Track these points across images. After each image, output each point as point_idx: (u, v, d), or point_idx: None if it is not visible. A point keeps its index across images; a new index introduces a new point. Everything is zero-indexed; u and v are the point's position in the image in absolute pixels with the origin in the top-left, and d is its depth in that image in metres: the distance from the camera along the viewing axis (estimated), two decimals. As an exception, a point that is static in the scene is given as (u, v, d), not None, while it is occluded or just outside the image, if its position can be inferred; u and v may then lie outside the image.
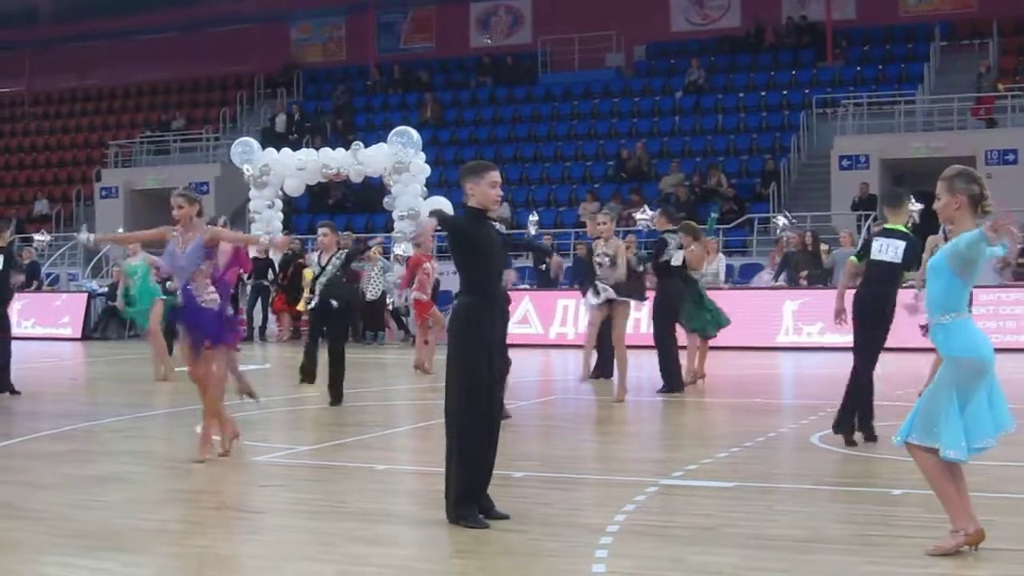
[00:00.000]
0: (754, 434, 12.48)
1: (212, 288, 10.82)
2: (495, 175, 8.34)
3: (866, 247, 11.83)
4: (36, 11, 46.83)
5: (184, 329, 10.90)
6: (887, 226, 11.74)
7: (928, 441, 7.12)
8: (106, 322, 30.78)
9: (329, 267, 15.46)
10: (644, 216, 18.07)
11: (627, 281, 15.73)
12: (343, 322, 15.89)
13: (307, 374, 16.46)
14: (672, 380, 16.40)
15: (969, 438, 7.09)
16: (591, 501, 9.18)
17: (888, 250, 11.49)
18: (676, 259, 16.53)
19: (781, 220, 26.26)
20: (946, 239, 8.38)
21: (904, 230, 11.71)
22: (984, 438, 7.14)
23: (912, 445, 7.21)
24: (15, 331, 19.02)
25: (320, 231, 15.91)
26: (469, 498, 8.11)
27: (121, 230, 27.22)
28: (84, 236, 11.78)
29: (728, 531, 7.95)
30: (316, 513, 8.84)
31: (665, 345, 16.62)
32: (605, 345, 17.03)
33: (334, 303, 15.34)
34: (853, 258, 11.93)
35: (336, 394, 15.22)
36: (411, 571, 7.33)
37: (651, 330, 17.18)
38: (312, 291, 15.82)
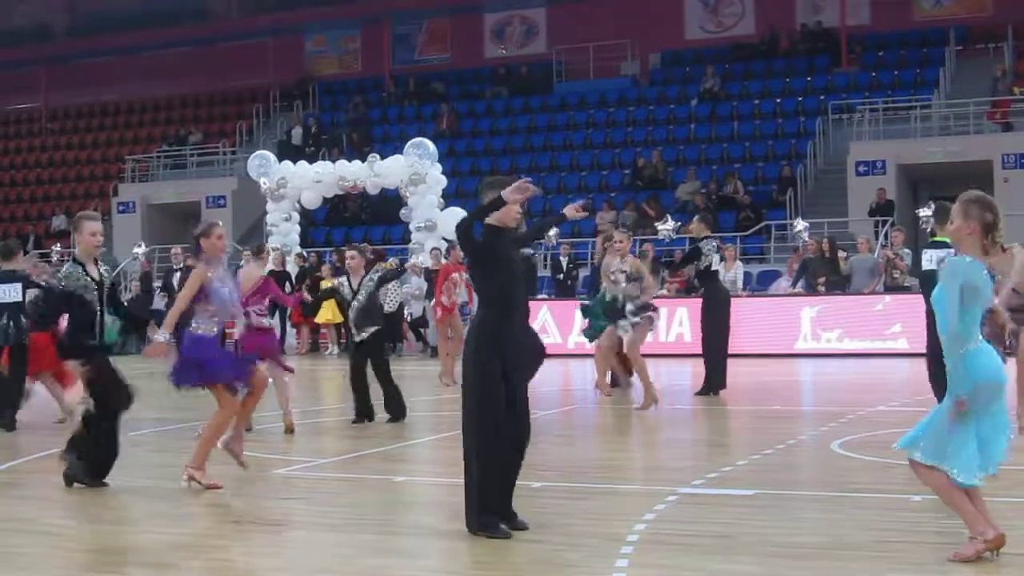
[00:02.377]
0: (774, 441, 12.46)
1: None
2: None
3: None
4: (52, 27, 47.04)
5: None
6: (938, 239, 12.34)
7: (937, 462, 7.10)
8: (127, 336, 30.84)
9: (362, 293, 14.99)
10: (666, 227, 18.11)
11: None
12: (381, 342, 15.43)
13: (364, 413, 15.20)
14: (712, 382, 16.65)
15: (982, 461, 7.09)
16: (611, 510, 9.17)
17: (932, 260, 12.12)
18: (715, 263, 16.78)
19: (800, 225, 26.22)
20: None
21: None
22: (995, 460, 7.16)
23: (917, 463, 7.20)
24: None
25: (348, 255, 15.45)
26: (490, 508, 8.10)
27: (142, 246, 27.19)
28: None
29: (749, 539, 7.94)
30: (336, 525, 8.85)
31: (714, 348, 16.86)
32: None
33: (370, 330, 14.99)
34: None
35: (397, 409, 15.00)
36: (432, 582, 7.35)
37: (697, 336, 17.48)
38: (346, 318, 15.43)
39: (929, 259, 12.22)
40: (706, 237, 16.93)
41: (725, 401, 16.67)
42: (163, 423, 14.53)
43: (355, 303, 14.99)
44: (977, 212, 7.21)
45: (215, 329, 10.40)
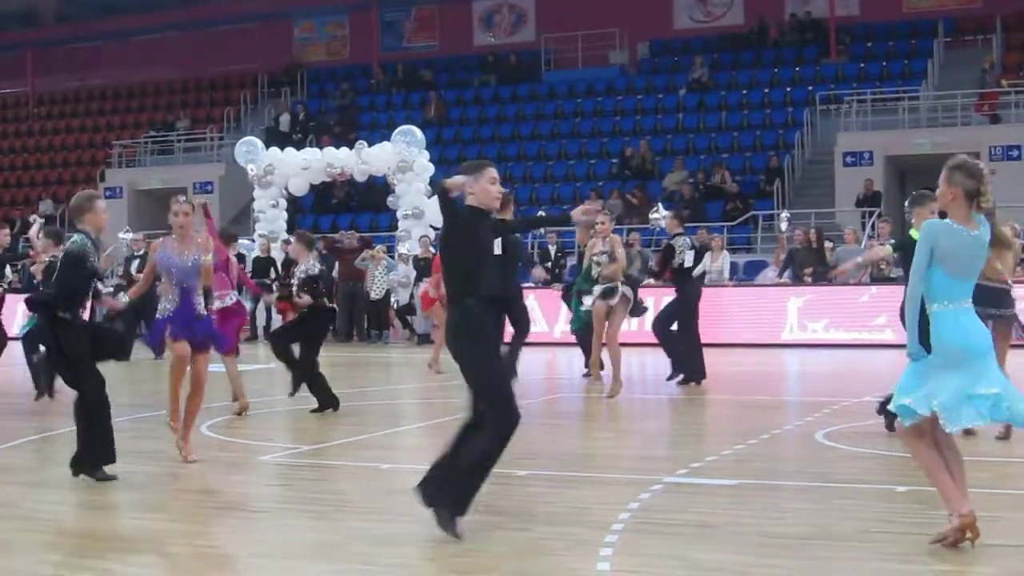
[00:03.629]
0: (759, 431, 12.47)
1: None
2: (493, 172, 8.19)
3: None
4: (39, 11, 46.87)
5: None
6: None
7: (924, 408, 7.11)
8: (112, 323, 30.74)
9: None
10: (657, 215, 18.08)
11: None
12: (324, 323, 15.16)
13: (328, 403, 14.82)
14: (686, 369, 16.66)
15: (969, 407, 7.09)
16: (596, 499, 9.17)
17: None
18: (688, 260, 16.68)
19: (784, 220, 26.25)
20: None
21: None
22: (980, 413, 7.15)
23: (906, 436, 7.22)
24: (13, 331, 19.03)
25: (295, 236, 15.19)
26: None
27: (129, 232, 27.20)
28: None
29: (733, 529, 7.95)
30: (320, 512, 8.84)
31: (688, 342, 16.83)
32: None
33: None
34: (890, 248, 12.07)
35: (295, 387, 14.86)
36: (415, 570, 7.34)
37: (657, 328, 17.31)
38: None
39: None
40: (678, 234, 16.87)
41: (710, 391, 16.68)
42: (139, 409, 14.49)
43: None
44: (960, 178, 7.27)
45: (170, 307, 10.80)
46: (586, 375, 18.08)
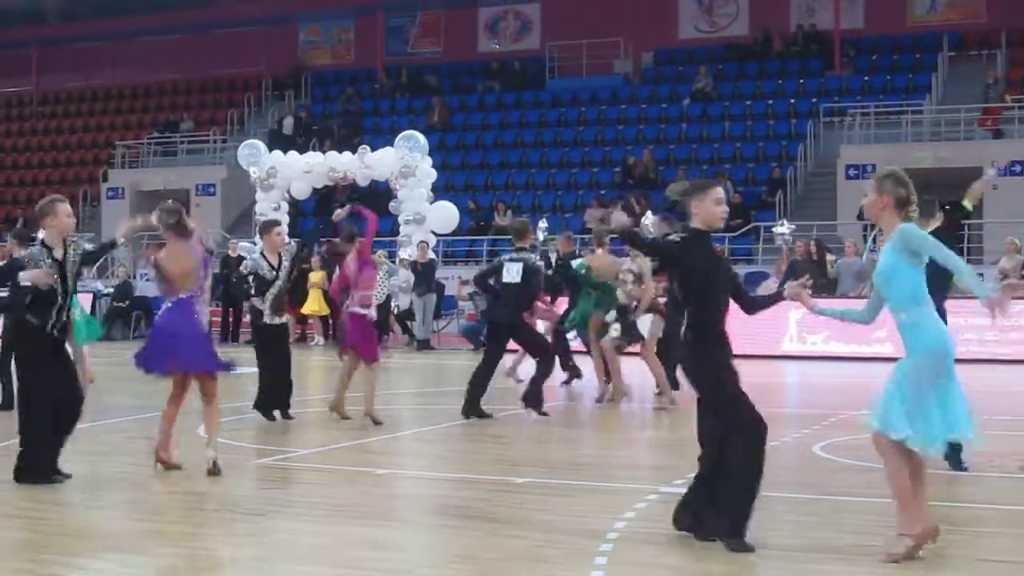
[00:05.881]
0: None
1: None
2: (719, 192, 7.91)
3: None
4: (44, 11, 46.89)
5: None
6: None
7: (897, 434, 7.15)
8: (112, 322, 30.78)
9: (282, 274, 14.18)
10: (647, 221, 18.02)
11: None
12: (287, 330, 14.82)
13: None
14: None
15: (948, 430, 7.16)
16: (592, 508, 9.15)
17: None
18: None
19: (784, 227, 26.17)
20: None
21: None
22: (960, 430, 7.20)
23: (882, 443, 7.23)
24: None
25: (275, 230, 14.50)
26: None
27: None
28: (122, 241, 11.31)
29: (728, 540, 7.92)
30: (316, 516, 8.82)
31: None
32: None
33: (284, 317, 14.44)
34: None
35: (284, 404, 14.37)
36: (411, 575, 7.34)
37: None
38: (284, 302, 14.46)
39: None
40: (668, 235, 16.75)
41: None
42: (138, 411, 14.47)
43: (277, 285, 14.14)
44: (891, 187, 7.38)
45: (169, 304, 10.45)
46: (565, 383, 18.09)
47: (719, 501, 7.64)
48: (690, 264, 7.82)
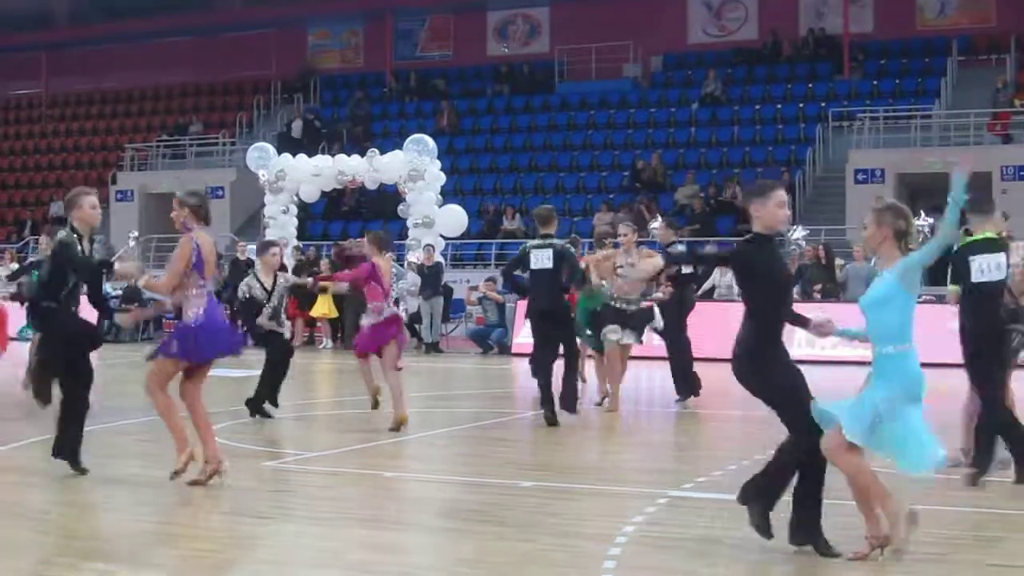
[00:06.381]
0: (764, 447, 12.39)
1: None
2: (782, 194, 7.85)
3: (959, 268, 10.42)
4: (53, 13, 46.96)
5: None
6: (979, 237, 10.29)
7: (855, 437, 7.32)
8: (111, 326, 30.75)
9: (275, 296, 14.48)
10: (655, 225, 17.98)
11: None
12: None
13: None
14: (687, 387, 16.31)
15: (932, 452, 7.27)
16: (600, 512, 9.15)
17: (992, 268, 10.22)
18: (684, 267, 16.45)
19: (799, 232, 26.14)
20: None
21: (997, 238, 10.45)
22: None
23: (834, 447, 7.35)
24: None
25: (271, 251, 14.78)
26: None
27: (135, 233, 27.19)
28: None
29: (737, 544, 7.93)
30: (323, 519, 8.83)
31: (687, 352, 16.55)
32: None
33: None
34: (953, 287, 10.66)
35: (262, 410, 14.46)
36: (417, 579, 7.33)
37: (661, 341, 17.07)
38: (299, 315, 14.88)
39: (983, 267, 10.21)
40: (674, 242, 16.69)
41: (717, 405, 16.62)
42: (147, 413, 14.46)
43: (271, 306, 14.39)
44: (890, 219, 7.44)
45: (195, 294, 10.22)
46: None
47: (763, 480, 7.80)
48: (761, 270, 7.79)
